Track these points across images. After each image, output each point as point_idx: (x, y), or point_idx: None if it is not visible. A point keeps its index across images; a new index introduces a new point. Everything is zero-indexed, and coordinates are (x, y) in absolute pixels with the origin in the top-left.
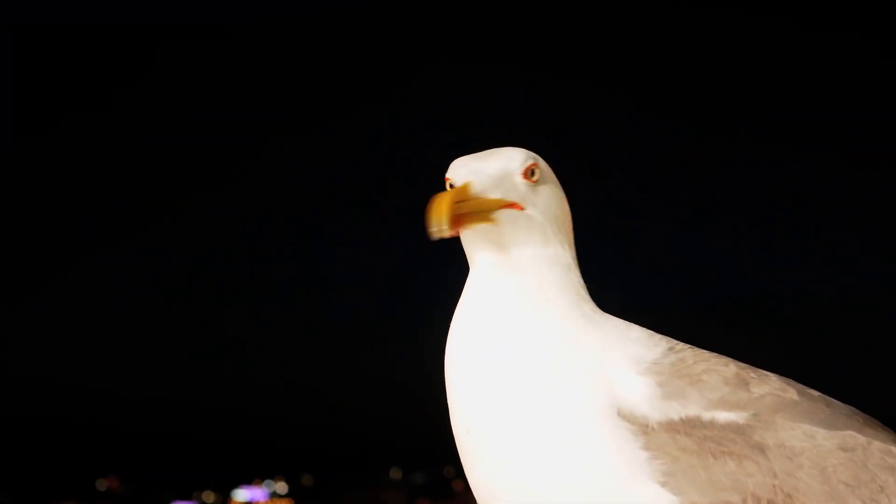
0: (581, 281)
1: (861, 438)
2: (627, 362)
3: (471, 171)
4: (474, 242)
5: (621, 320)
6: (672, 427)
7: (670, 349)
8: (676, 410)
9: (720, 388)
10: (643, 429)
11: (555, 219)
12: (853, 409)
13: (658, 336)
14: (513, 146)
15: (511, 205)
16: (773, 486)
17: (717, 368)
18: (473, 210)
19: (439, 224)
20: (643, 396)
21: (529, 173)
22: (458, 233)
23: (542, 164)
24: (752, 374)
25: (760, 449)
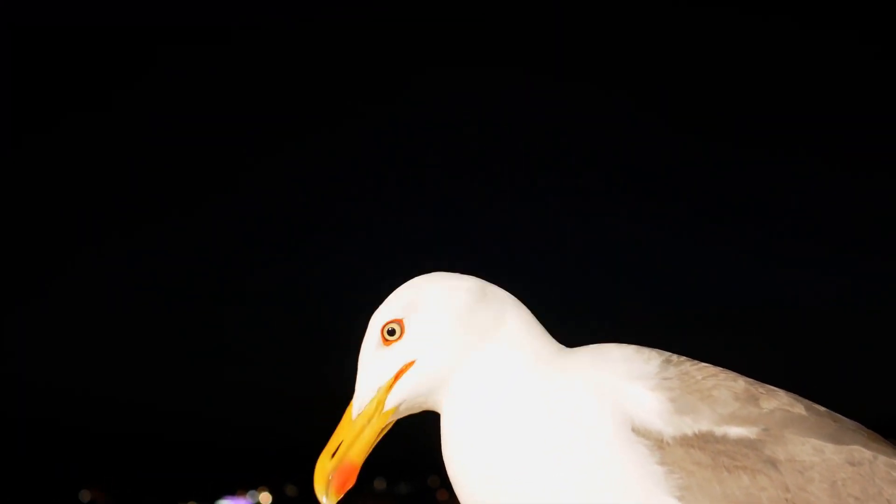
0: (529, 339)
1: (867, 453)
2: (629, 378)
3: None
4: (418, 409)
5: (598, 345)
6: (686, 442)
7: (667, 361)
8: (689, 426)
9: (731, 403)
10: (658, 444)
11: (449, 337)
12: (858, 424)
13: (648, 349)
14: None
15: (398, 375)
16: (786, 500)
17: (727, 384)
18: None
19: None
20: (655, 412)
21: (388, 334)
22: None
23: (408, 300)
24: (761, 390)
25: (772, 463)
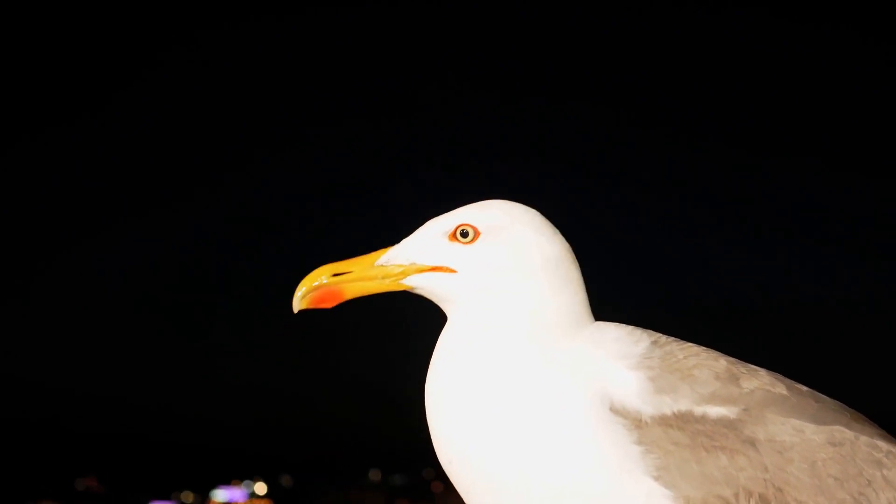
0: (555, 321)
1: (849, 433)
2: (615, 357)
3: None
4: (428, 298)
5: (599, 322)
6: (665, 421)
7: (654, 343)
8: (668, 405)
9: (711, 382)
10: (636, 423)
11: (502, 271)
12: (840, 404)
13: (640, 331)
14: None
15: (435, 269)
16: (765, 480)
17: (708, 363)
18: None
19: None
20: (635, 391)
21: (460, 234)
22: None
23: (492, 219)
24: (742, 370)
25: (752, 443)
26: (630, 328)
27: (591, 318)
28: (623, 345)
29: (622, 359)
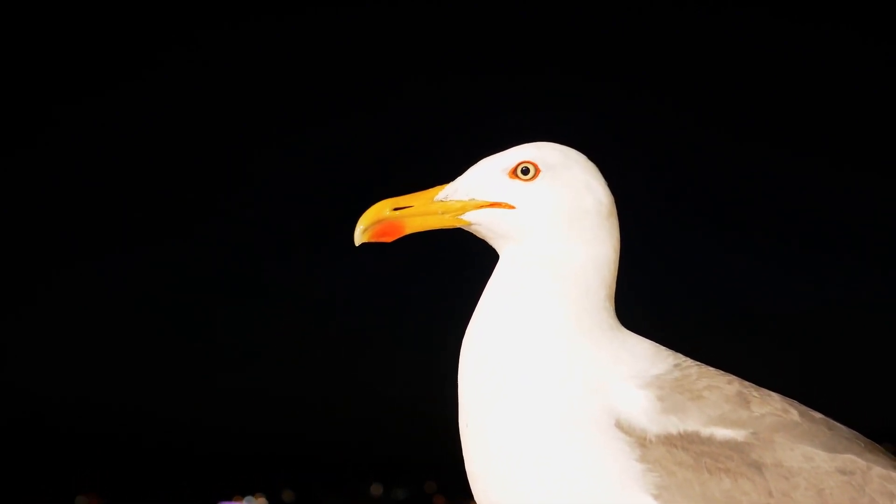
0: (597, 282)
1: (861, 463)
2: (629, 376)
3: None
4: (481, 236)
5: (632, 336)
6: (669, 441)
7: (676, 366)
8: (675, 425)
9: (720, 405)
10: (640, 441)
11: (559, 209)
12: (855, 433)
13: (667, 352)
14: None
15: (494, 204)
16: None
17: (720, 386)
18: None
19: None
20: (642, 410)
21: (521, 172)
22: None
23: (551, 158)
24: (755, 394)
25: (757, 467)
26: (657, 349)
27: (613, 309)
28: (644, 363)
29: (635, 377)
